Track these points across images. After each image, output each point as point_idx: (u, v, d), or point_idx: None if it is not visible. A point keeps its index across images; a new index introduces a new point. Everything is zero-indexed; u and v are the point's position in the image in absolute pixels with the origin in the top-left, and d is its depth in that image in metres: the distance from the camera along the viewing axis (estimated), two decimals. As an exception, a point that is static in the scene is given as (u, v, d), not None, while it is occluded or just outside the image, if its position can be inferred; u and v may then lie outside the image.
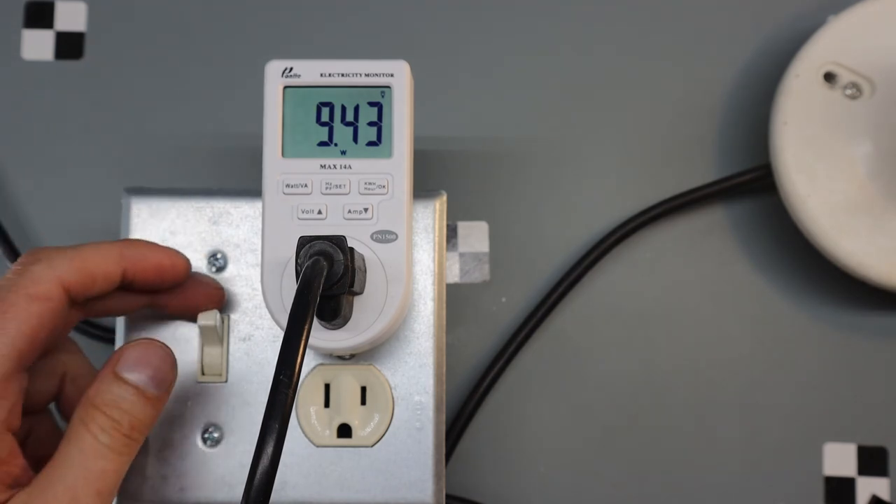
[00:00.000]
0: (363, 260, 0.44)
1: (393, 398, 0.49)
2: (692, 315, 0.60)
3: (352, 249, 0.41)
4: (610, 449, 0.59)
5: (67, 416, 0.46)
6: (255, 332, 0.50)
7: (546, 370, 0.59)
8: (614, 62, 0.62)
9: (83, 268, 0.42)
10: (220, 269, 0.50)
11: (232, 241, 0.50)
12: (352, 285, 0.41)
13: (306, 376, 0.49)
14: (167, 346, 0.43)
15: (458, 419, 0.57)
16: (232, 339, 0.49)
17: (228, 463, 0.49)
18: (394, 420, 0.49)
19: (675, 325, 0.60)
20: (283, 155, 0.45)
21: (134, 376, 0.42)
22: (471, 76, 0.62)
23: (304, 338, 0.37)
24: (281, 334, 0.37)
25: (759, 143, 0.59)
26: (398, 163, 0.45)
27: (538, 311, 0.58)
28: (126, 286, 0.45)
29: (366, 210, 0.45)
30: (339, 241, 0.40)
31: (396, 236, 0.45)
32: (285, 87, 0.46)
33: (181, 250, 0.50)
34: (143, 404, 0.42)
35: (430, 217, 0.50)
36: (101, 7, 0.62)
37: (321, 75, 0.46)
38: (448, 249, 0.60)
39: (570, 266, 0.59)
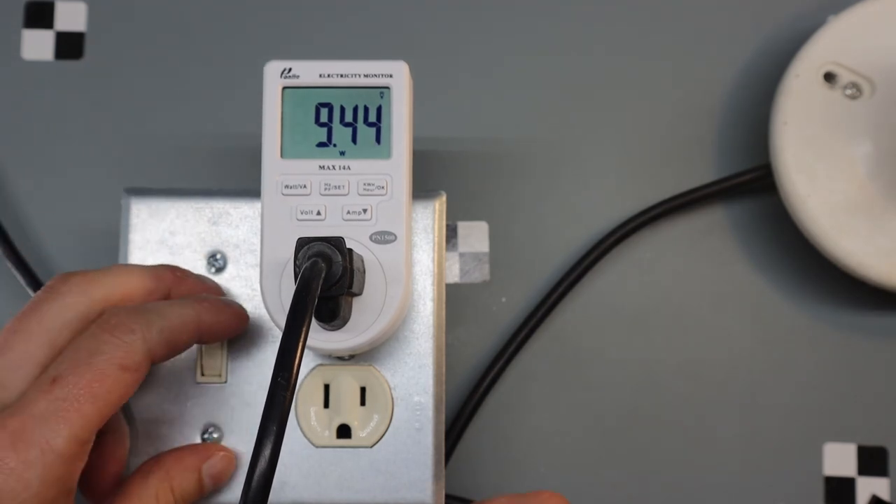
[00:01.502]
0: (362, 261, 0.44)
1: (392, 399, 0.49)
2: (692, 315, 0.60)
3: (350, 251, 0.41)
4: (610, 449, 0.59)
5: None
6: (255, 333, 0.50)
7: (546, 370, 0.59)
8: (614, 62, 0.62)
9: (170, 340, 0.43)
10: (220, 270, 0.50)
11: (231, 241, 0.50)
12: (350, 286, 0.41)
13: (306, 377, 0.49)
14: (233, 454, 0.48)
15: (458, 419, 0.57)
16: (232, 340, 0.49)
17: None
18: (393, 420, 0.49)
19: (675, 324, 0.60)
20: (282, 156, 0.45)
21: (210, 481, 0.47)
22: (471, 76, 0.62)
23: (301, 339, 0.37)
24: (280, 334, 0.37)
25: (759, 143, 0.59)
26: (397, 163, 0.45)
27: (538, 311, 0.58)
28: None
29: (365, 211, 0.45)
30: (337, 243, 0.41)
31: (395, 237, 0.45)
32: (284, 88, 0.46)
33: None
34: (197, 499, 0.47)
35: (429, 217, 0.50)
36: (101, 7, 0.62)
37: (320, 76, 0.46)
38: (448, 249, 0.60)
39: (570, 266, 0.59)
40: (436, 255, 0.50)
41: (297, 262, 0.40)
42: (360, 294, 0.44)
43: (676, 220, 0.60)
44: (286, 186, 0.45)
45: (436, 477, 0.49)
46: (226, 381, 0.49)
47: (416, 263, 0.50)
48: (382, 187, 0.45)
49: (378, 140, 0.46)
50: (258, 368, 0.49)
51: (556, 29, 0.62)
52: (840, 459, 0.59)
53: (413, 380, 0.49)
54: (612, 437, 0.59)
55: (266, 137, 0.45)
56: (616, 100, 0.62)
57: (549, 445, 0.59)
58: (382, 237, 0.45)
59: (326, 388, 0.49)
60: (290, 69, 0.46)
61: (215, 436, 0.49)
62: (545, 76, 0.62)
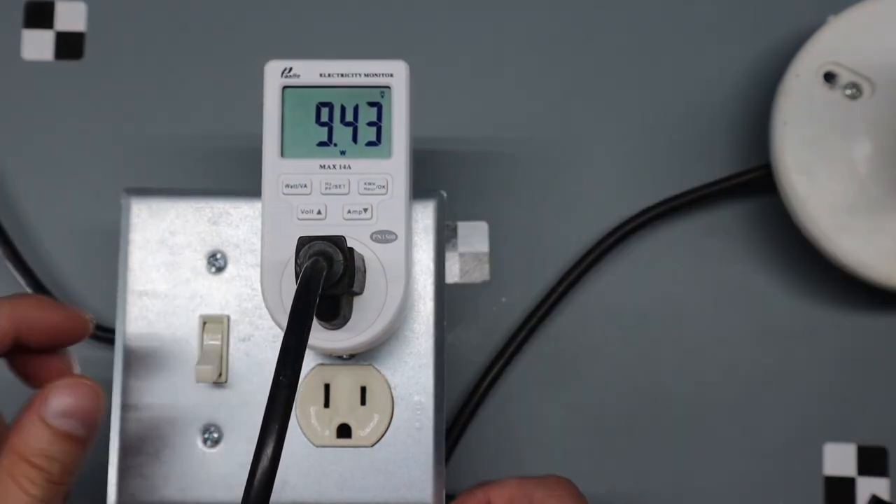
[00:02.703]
0: (363, 260, 0.44)
1: (393, 398, 0.49)
2: (692, 315, 0.60)
3: (351, 249, 0.41)
4: (610, 449, 0.59)
5: None
6: (255, 333, 0.49)
7: (546, 370, 0.59)
8: (614, 62, 0.62)
9: None
10: (220, 270, 0.50)
11: (231, 241, 0.50)
12: (351, 285, 0.41)
13: (306, 376, 0.49)
14: (93, 382, 0.41)
15: (459, 419, 0.57)
16: (231, 340, 0.49)
17: (228, 463, 0.49)
18: (393, 420, 0.49)
19: (675, 325, 0.60)
20: (282, 155, 0.45)
21: (63, 422, 0.40)
22: (471, 76, 0.62)
23: (303, 338, 0.37)
24: (281, 334, 0.37)
25: (759, 143, 0.59)
26: (397, 163, 0.45)
27: (538, 310, 0.58)
28: (20, 346, 0.44)
29: (365, 210, 0.45)
30: (338, 242, 0.41)
31: (396, 236, 0.45)
32: (285, 87, 0.46)
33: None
34: (73, 448, 0.40)
35: (429, 217, 0.50)
36: (101, 7, 0.62)
37: (320, 75, 0.46)
38: (448, 249, 0.60)
39: (570, 266, 0.59)
40: (436, 254, 0.50)
41: (297, 261, 0.40)
42: (360, 293, 0.44)
43: (676, 220, 0.60)
44: (287, 186, 0.45)
45: (436, 476, 0.49)
46: (226, 381, 0.49)
47: (417, 263, 0.50)
48: (383, 186, 0.45)
49: (378, 139, 0.46)
50: (258, 368, 0.49)
51: (556, 29, 0.62)
52: (840, 459, 0.59)
53: (413, 379, 0.49)
54: (612, 437, 0.59)
55: (266, 137, 0.45)
56: (616, 100, 0.62)
57: (549, 445, 0.59)
58: (383, 236, 0.45)
59: (326, 387, 0.49)
60: (290, 69, 0.46)
61: (215, 436, 0.49)
62: (545, 76, 0.62)
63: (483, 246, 0.60)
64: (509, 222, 0.61)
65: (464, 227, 0.60)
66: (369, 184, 0.45)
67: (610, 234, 0.59)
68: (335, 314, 0.43)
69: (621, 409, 0.59)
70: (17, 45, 0.62)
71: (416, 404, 0.49)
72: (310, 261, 0.39)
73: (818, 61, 0.57)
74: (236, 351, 0.49)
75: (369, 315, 0.45)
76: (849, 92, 0.57)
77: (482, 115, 0.61)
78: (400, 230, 0.45)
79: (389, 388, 0.49)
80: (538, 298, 0.59)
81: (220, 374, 0.49)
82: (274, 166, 0.45)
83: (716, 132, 0.61)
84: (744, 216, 0.61)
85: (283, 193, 0.45)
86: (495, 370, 0.58)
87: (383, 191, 0.45)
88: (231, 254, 0.50)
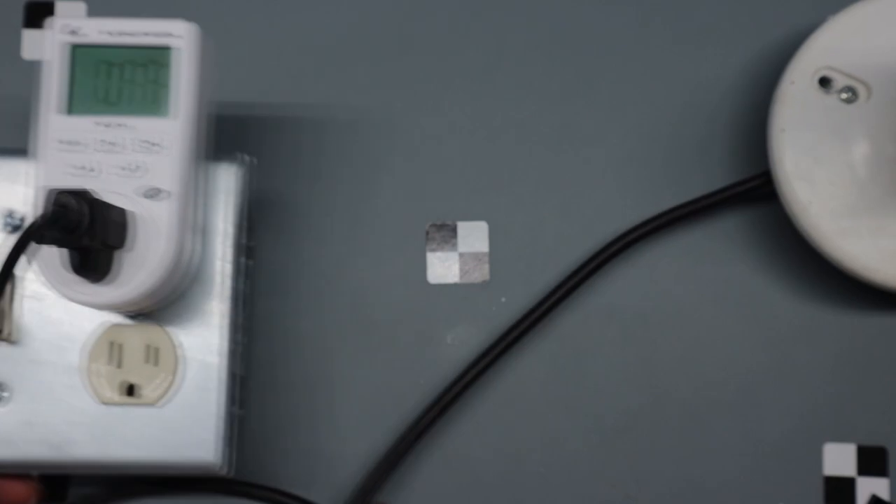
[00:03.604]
0: (124, 214, 0.45)
1: (179, 358, 0.50)
2: (693, 322, 0.60)
3: (98, 201, 0.43)
4: (609, 449, 0.59)
5: None
6: (45, 291, 0.49)
7: (546, 370, 0.59)
8: (614, 63, 0.62)
9: None
10: (16, 228, 0.51)
11: (27, 199, 0.50)
12: (104, 238, 0.43)
13: (94, 335, 0.50)
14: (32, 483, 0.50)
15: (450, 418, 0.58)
16: (20, 297, 0.50)
17: (13, 421, 0.49)
18: (180, 380, 0.50)
19: (675, 329, 0.60)
20: (59, 112, 0.46)
21: None
22: (470, 76, 0.62)
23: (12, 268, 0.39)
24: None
25: (759, 149, 0.59)
26: (177, 123, 0.46)
27: (534, 311, 0.59)
28: None
29: (138, 167, 0.46)
30: (81, 193, 0.42)
31: (169, 194, 0.46)
32: (66, 44, 0.47)
33: None
34: None
35: (230, 180, 0.51)
36: (101, 7, 0.62)
37: (102, 33, 0.47)
38: (448, 249, 0.60)
39: (570, 269, 0.59)
40: (236, 218, 0.51)
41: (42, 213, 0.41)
42: (121, 247, 0.45)
43: (677, 230, 0.60)
44: (61, 142, 0.46)
45: (226, 439, 0.50)
46: (13, 340, 0.50)
47: (212, 226, 0.51)
48: (158, 145, 0.46)
49: (158, 99, 0.47)
50: (48, 326, 0.50)
51: (555, 29, 0.62)
52: (840, 459, 0.59)
53: (204, 340, 0.50)
54: (612, 438, 0.59)
55: (45, 93, 0.47)
56: (616, 101, 0.62)
57: (548, 446, 0.59)
58: (155, 193, 0.46)
59: (115, 346, 0.50)
60: (73, 25, 0.47)
61: (5, 394, 0.49)
62: (544, 77, 0.62)
63: (483, 246, 0.60)
64: (509, 222, 0.61)
65: (464, 227, 0.61)
66: (144, 142, 0.46)
67: (609, 245, 0.59)
68: (87, 267, 0.44)
69: (621, 411, 0.59)
70: (16, 45, 0.62)
71: (204, 365, 0.50)
72: (49, 210, 0.40)
73: (812, 67, 0.57)
74: (24, 309, 0.50)
75: (136, 270, 0.46)
76: (844, 96, 0.56)
77: (482, 115, 0.62)
78: (174, 188, 0.46)
79: (175, 348, 0.50)
80: (538, 299, 0.59)
81: (4, 331, 0.50)
82: (50, 123, 0.46)
83: (716, 138, 0.61)
84: (745, 225, 0.60)
85: (58, 150, 0.46)
86: (489, 370, 0.58)
87: (158, 149, 0.46)
88: (26, 212, 0.50)
